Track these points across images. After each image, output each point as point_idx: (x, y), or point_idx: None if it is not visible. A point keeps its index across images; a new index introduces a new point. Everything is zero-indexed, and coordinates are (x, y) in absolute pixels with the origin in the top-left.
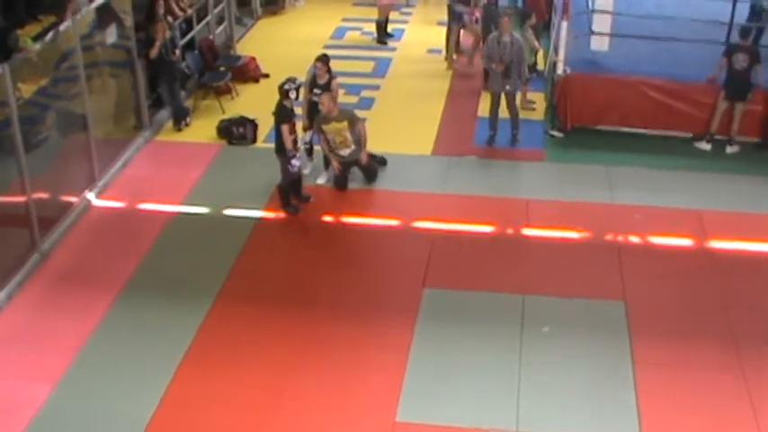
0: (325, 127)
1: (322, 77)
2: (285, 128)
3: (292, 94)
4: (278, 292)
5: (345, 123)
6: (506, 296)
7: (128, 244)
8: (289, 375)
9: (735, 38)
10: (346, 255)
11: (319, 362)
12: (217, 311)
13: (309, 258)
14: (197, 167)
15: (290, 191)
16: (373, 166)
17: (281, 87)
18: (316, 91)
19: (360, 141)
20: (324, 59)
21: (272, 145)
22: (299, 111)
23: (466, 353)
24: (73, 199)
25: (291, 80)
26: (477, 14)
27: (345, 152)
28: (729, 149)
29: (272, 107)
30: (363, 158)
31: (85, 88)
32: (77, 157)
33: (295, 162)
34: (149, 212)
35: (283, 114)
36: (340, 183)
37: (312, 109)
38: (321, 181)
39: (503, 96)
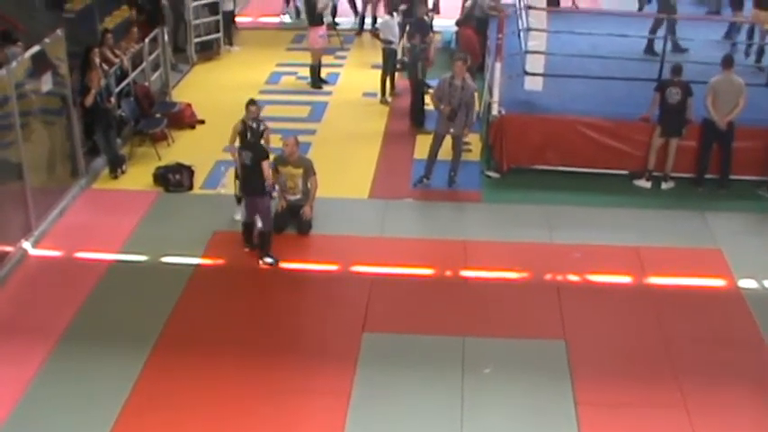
0: (281, 168)
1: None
2: (266, 163)
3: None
4: (216, 339)
5: (301, 170)
6: (447, 339)
7: (65, 293)
8: (229, 423)
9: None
10: (285, 300)
11: (259, 409)
12: (155, 360)
13: (247, 305)
14: (134, 215)
15: (272, 236)
16: (310, 221)
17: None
18: (249, 133)
19: (308, 193)
20: (256, 102)
21: (209, 191)
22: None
23: (407, 397)
24: (9, 248)
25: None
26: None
27: (291, 198)
28: (665, 185)
29: (209, 154)
30: (307, 212)
31: (20, 136)
32: (13, 206)
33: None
34: (87, 261)
35: (263, 152)
36: (277, 225)
37: None
38: (237, 217)
39: (447, 138)
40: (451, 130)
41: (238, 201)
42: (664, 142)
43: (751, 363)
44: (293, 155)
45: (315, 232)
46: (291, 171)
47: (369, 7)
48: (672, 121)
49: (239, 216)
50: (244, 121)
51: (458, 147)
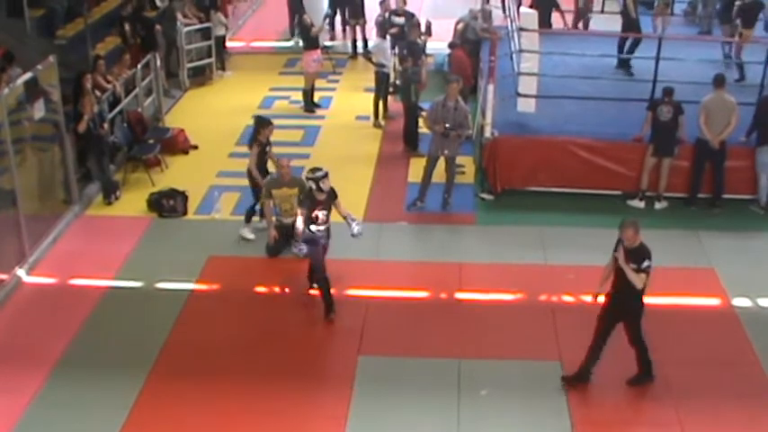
0: (275, 191)
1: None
2: (302, 212)
3: (311, 184)
4: (212, 364)
5: (296, 190)
6: (442, 361)
7: (60, 320)
8: None
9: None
10: (280, 325)
11: None
12: (151, 386)
13: (243, 330)
14: (128, 241)
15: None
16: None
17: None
18: (266, 149)
19: None
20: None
21: (203, 216)
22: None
23: (404, 419)
24: (3, 276)
25: (313, 170)
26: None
27: (286, 221)
28: (658, 205)
29: (203, 179)
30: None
31: (14, 163)
32: (6, 234)
33: (296, 244)
34: (81, 288)
35: (307, 200)
36: (272, 250)
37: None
38: (251, 236)
39: (441, 160)
40: (445, 152)
41: (247, 219)
42: (656, 162)
43: (746, 381)
44: (287, 176)
45: None
46: (287, 192)
47: (357, 30)
48: (664, 140)
49: (251, 235)
50: (261, 142)
51: (451, 169)
